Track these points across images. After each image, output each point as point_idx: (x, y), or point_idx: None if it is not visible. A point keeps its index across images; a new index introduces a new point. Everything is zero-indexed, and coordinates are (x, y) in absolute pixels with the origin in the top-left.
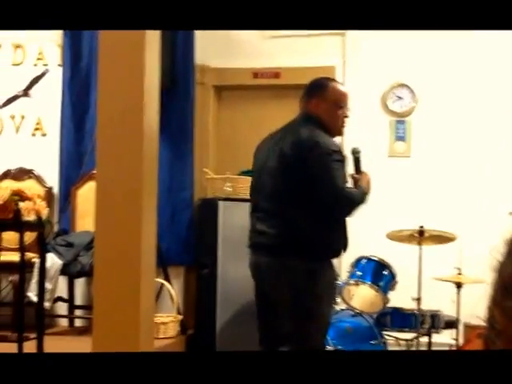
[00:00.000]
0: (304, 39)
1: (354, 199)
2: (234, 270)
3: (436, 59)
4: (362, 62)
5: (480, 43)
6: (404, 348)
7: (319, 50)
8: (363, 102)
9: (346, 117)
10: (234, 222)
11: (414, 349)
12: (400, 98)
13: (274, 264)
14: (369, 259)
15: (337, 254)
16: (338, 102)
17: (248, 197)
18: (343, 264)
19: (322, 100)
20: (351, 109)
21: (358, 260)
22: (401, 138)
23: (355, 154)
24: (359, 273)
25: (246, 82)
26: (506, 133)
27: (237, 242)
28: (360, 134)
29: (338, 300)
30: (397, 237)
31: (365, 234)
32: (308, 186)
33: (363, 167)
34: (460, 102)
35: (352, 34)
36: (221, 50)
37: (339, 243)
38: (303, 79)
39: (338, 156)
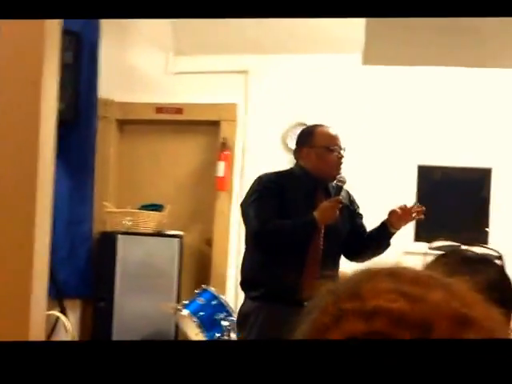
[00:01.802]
0: (207, 76)
1: (276, 232)
2: (132, 304)
3: (335, 99)
4: (263, 100)
5: (375, 84)
6: None
7: (222, 87)
8: (264, 141)
9: (341, 158)
10: (133, 257)
11: None
12: None
13: None
14: None
15: (276, 295)
16: (328, 146)
17: (148, 231)
18: (240, 297)
19: (310, 148)
20: (342, 149)
21: None
22: None
23: (337, 182)
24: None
25: (149, 116)
26: (400, 175)
27: (135, 276)
28: (258, 173)
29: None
30: None
31: None
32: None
33: (339, 195)
34: (357, 141)
35: (254, 73)
36: (124, 84)
37: (275, 282)
38: (205, 116)
39: (264, 191)
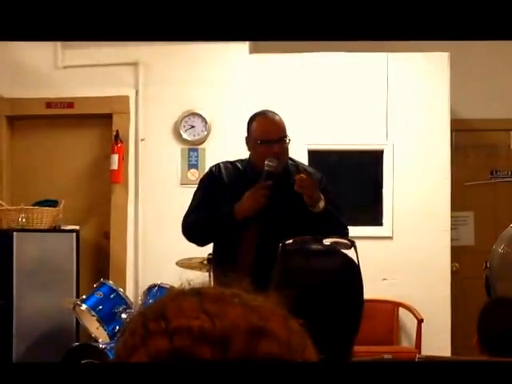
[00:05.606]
0: (97, 69)
1: (191, 224)
2: (31, 301)
3: (225, 87)
4: (154, 91)
5: (262, 71)
6: None
7: (112, 79)
8: (156, 131)
9: (273, 150)
10: (30, 254)
11: None
12: (192, 126)
13: None
14: (160, 287)
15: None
16: (258, 140)
17: (43, 227)
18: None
19: (248, 138)
20: (283, 139)
21: (150, 288)
22: (193, 166)
23: (266, 167)
24: (151, 301)
25: (40, 111)
26: None
27: (33, 273)
28: (152, 164)
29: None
30: (187, 264)
31: (156, 261)
32: None
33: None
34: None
35: (144, 64)
36: (13, 79)
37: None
38: (97, 109)
39: (200, 183)
